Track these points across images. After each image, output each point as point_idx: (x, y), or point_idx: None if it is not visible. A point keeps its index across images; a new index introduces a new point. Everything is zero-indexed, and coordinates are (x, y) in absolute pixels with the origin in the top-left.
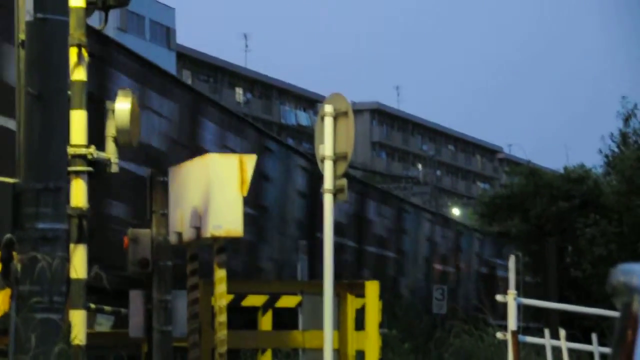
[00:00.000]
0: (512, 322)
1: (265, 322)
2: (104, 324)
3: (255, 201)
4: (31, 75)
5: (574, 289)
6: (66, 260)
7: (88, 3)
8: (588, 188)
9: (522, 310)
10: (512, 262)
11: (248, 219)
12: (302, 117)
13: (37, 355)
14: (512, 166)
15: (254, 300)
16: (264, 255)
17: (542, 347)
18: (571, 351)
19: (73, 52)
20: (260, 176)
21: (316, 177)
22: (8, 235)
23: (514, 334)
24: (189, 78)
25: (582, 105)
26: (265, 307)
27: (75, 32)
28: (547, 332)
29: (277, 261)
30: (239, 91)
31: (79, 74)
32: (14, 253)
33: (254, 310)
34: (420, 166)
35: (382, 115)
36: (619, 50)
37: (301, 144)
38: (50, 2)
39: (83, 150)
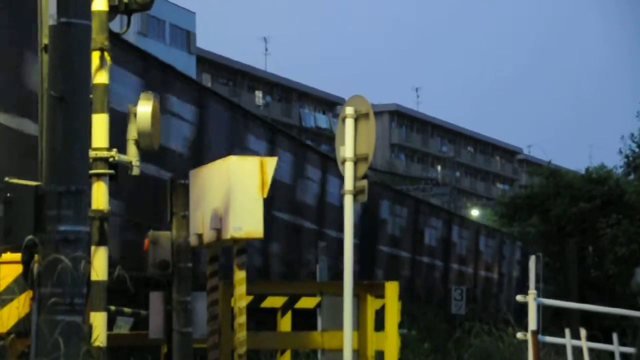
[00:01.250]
0: (532, 322)
1: (285, 323)
2: (123, 326)
3: None
4: (54, 78)
5: (595, 289)
6: (87, 262)
7: (110, 7)
8: (609, 188)
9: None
10: (532, 263)
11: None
12: (322, 120)
13: (59, 357)
14: (534, 167)
15: (273, 301)
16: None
17: (561, 347)
18: (591, 351)
19: (95, 56)
20: None
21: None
22: (30, 237)
23: (534, 333)
24: (208, 82)
25: (602, 105)
26: (284, 308)
27: (98, 36)
28: (567, 332)
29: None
30: (258, 94)
31: (101, 78)
32: (36, 255)
33: (272, 311)
34: (439, 167)
35: (401, 117)
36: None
37: (320, 146)
38: (74, 6)
39: (105, 153)
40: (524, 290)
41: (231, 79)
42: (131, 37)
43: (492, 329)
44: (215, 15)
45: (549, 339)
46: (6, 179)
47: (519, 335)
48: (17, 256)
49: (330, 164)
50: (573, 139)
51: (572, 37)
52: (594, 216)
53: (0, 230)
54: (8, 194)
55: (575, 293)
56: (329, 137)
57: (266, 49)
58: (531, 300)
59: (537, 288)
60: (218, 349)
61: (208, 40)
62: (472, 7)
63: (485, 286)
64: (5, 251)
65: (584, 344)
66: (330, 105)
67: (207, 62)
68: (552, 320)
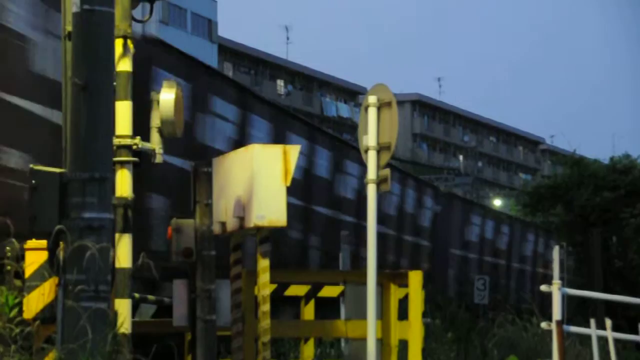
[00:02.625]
0: (556, 312)
1: (308, 311)
2: (146, 314)
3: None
4: (78, 66)
5: (619, 279)
6: (111, 249)
7: None
8: (634, 178)
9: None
10: (556, 253)
11: None
12: (343, 109)
13: (86, 343)
14: (557, 156)
15: (296, 290)
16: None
17: (586, 337)
18: (617, 341)
19: (118, 44)
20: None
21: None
22: (55, 224)
23: (559, 323)
24: (230, 70)
25: (624, 93)
26: (307, 297)
27: (121, 24)
28: (592, 321)
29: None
30: (280, 83)
31: (124, 65)
32: (61, 242)
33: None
34: (461, 157)
35: (423, 106)
36: None
37: (341, 135)
38: None
39: (128, 141)
40: (548, 280)
41: (253, 67)
42: (153, 25)
43: (515, 319)
44: (236, 4)
45: (574, 328)
46: (31, 165)
47: (544, 325)
48: (43, 243)
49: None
50: (595, 128)
51: (593, 24)
52: (618, 206)
53: (26, 217)
54: (33, 181)
55: (599, 283)
56: (351, 127)
57: (288, 38)
58: (555, 290)
59: (561, 278)
60: (242, 337)
61: (230, 28)
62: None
63: (508, 276)
64: (30, 238)
65: (610, 334)
66: (351, 94)
67: (229, 50)
68: (576, 311)
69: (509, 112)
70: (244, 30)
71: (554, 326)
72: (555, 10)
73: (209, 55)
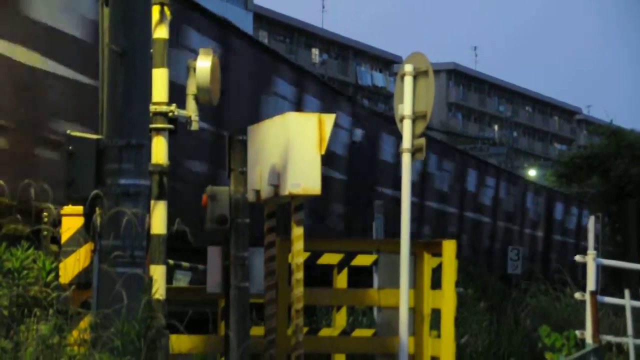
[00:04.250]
0: (591, 283)
1: (341, 280)
2: (182, 280)
3: None
4: (115, 33)
5: None
6: (147, 215)
7: None
8: None
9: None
10: (591, 223)
11: None
12: (378, 78)
13: (121, 308)
14: (594, 126)
15: (329, 258)
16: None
17: (620, 308)
18: None
19: (155, 10)
20: None
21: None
22: (92, 190)
23: (593, 294)
24: (265, 38)
25: None
26: (340, 266)
27: None
28: (627, 292)
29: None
30: (315, 52)
31: (160, 32)
32: (97, 208)
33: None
34: (496, 127)
35: (458, 75)
36: None
37: (377, 104)
38: None
39: (164, 108)
40: (582, 250)
41: (288, 36)
42: None
43: (548, 289)
44: None
45: (608, 299)
46: (68, 131)
47: (577, 295)
48: (79, 209)
49: (384, 123)
50: (634, 99)
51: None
52: None
53: (63, 183)
54: (70, 147)
55: (635, 253)
56: (386, 96)
57: (323, 6)
58: (590, 260)
59: (596, 248)
60: (275, 304)
61: None
62: None
63: (542, 246)
64: (67, 204)
65: None
66: (387, 63)
67: (264, 19)
68: (611, 281)
69: (546, 82)
70: None
71: (587, 297)
72: None
73: (244, 24)
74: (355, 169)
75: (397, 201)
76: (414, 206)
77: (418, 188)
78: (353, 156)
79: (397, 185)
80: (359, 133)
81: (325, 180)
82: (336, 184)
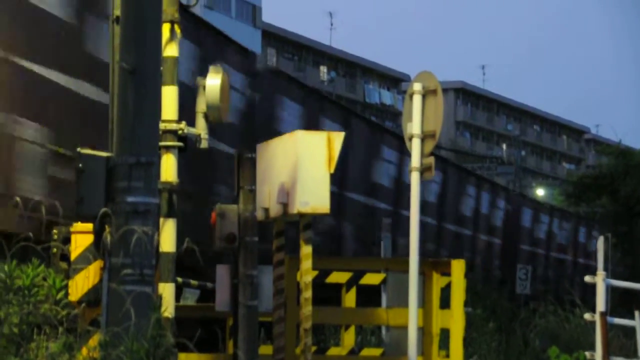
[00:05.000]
0: (600, 304)
1: (349, 299)
2: (190, 298)
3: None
4: (125, 50)
5: None
6: (156, 233)
7: None
8: None
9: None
10: (600, 243)
11: None
12: (386, 96)
13: (130, 326)
14: (603, 146)
15: (338, 277)
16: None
17: (630, 329)
18: None
19: (166, 28)
20: None
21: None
22: (102, 208)
23: (603, 315)
24: (273, 56)
25: None
26: (349, 284)
27: (168, 8)
28: (637, 314)
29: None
30: (323, 69)
31: (171, 50)
32: (107, 226)
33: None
34: (504, 146)
35: (466, 94)
36: None
37: (384, 122)
38: None
39: (174, 126)
40: (591, 271)
41: (296, 53)
42: (197, 10)
43: (557, 310)
44: None
45: (618, 320)
46: (78, 149)
47: (587, 316)
48: (89, 226)
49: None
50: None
51: None
52: None
53: (73, 200)
54: (80, 165)
55: None
56: (393, 114)
57: (331, 24)
58: (600, 281)
59: (605, 269)
60: (283, 323)
61: (274, 14)
62: None
63: (551, 266)
64: (77, 221)
65: None
66: (395, 81)
67: (273, 36)
68: (620, 302)
69: (554, 101)
70: (288, 16)
71: (597, 318)
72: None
73: (252, 41)
74: None
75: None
76: (432, 228)
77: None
78: None
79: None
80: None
81: None
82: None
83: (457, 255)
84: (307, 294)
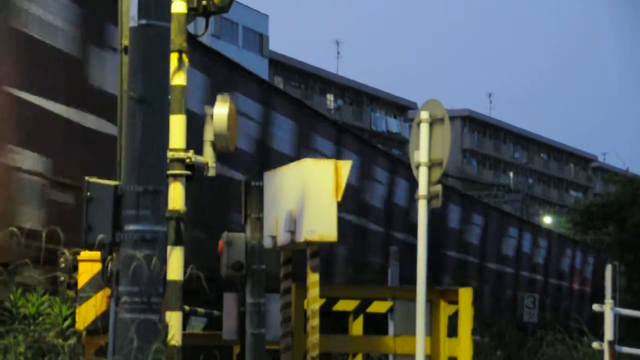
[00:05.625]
0: (608, 332)
1: (356, 327)
2: (196, 326)
3: None
4: (134, 80)
5: None
6: (164, 261)
7: (189, 9)
8: None
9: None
10: (608, 272)
11: None
12: (393, 124)
13: (136, 354)
14: (610, 174)
15: (345, 305)
16: None
17: (638, 359)
18: None
19: (174, 58)
20: None
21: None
22: (108, 236)
23: (611, 344)
24: (280, 84)
25: None
26: (356, 312)
27: (177, 38)
28: None
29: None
30: (330, 97)
31: (179, 79)
32: (114, 254)
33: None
34: (511, 174)
35: (473, 122)
36: None
37: (391, 150)
38: (154, 8)
39: (182, 154)
40: (599, 300)
41: (303, 82)
42: (205, 39)
43: (565, 338)
44: (288, 19)
45: (626, 349)
46: (86, 178)
47: (595, 345)
48: (96, 254)
49: (398, 167)
50: None
51: None
52: None
53: (81, 228)
54: (88, 193)
55: None
56: (400, 142)
57: (338, 53)
58: (608, 309)
59: (613, 297)
60: (291, 351)
61: (281, 43)
62: (547, 14)
63: (558, 294)
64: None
65: None
66: (401, 109)
67: (280, 64)
68: (628, 331)
69: (561, 129)
70: (295, 44)
71: (605, 346)
72: (616, 25)
73: (259, 69)
74: None
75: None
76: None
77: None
78: None
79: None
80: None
81: None
82: None
83: (500, 292)
84: (314, 322)
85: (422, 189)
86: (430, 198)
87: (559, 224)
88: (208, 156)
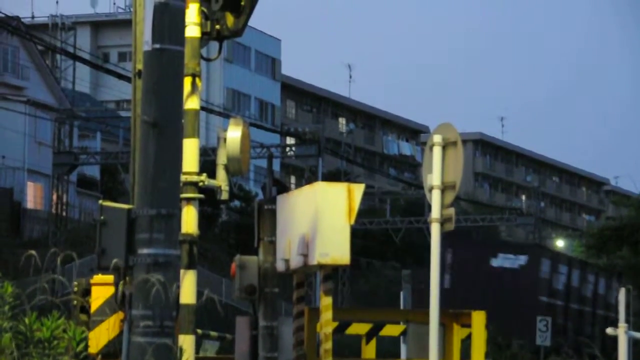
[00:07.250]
0: (622, 356)
1: (369, 350)
2: (210, 350)
3: None
4: (148, 103)
5: None
6: (177, 285)
7: (203, 33)
8: None
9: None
10: (622, 295)
11: None
12: (405, 147)
13: None
14: (619, 197)
15: (358, 328)
16: None
17: None
18: None
19: (187, 82)
20: None
21: None
22: (122, 260)
23: None
24: (293, 108)
25: None
26: (369, 336)
27: (190, 62)
28: None
29: None
30: (342, 121)
31: (192, 103)
32: (127, 277)
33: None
34: (523, 197)
35: (485, 145)
36: None
37: (403, 174)
38: (168, 33)
39: (195, 178)
40: (612, 323)
41: (315, 105)
42: (218, 63)
43: None
44: (300, 43)
45: None
46: (100, 201)
47: None
48: (109, 278)
49: None
50: None
51: None
52: None
53: (94, 252)
54: (102, 217)
55: None
56: (412, 165)
57: (350, 76)
58: (622, 333)
59: (627, 321)
60: None
61: (293, 67)
62: (560, 35)
63: (572, 318)
64: (97, 273)
65: None
66: (413, 132)
67: (292, 88)
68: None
69: (573, 153)
70: (307, 68)
71: None
72: (622, 50)
73: (272, 93)
74: None
75: None
76: None
77: None
78: None
79: None
80: None
81: None
82: None
83: (580, 330)
84: (327, 345)
85: (435, 212)
86: (444, 221)
87: (571, 248)
88: (221, 179)
